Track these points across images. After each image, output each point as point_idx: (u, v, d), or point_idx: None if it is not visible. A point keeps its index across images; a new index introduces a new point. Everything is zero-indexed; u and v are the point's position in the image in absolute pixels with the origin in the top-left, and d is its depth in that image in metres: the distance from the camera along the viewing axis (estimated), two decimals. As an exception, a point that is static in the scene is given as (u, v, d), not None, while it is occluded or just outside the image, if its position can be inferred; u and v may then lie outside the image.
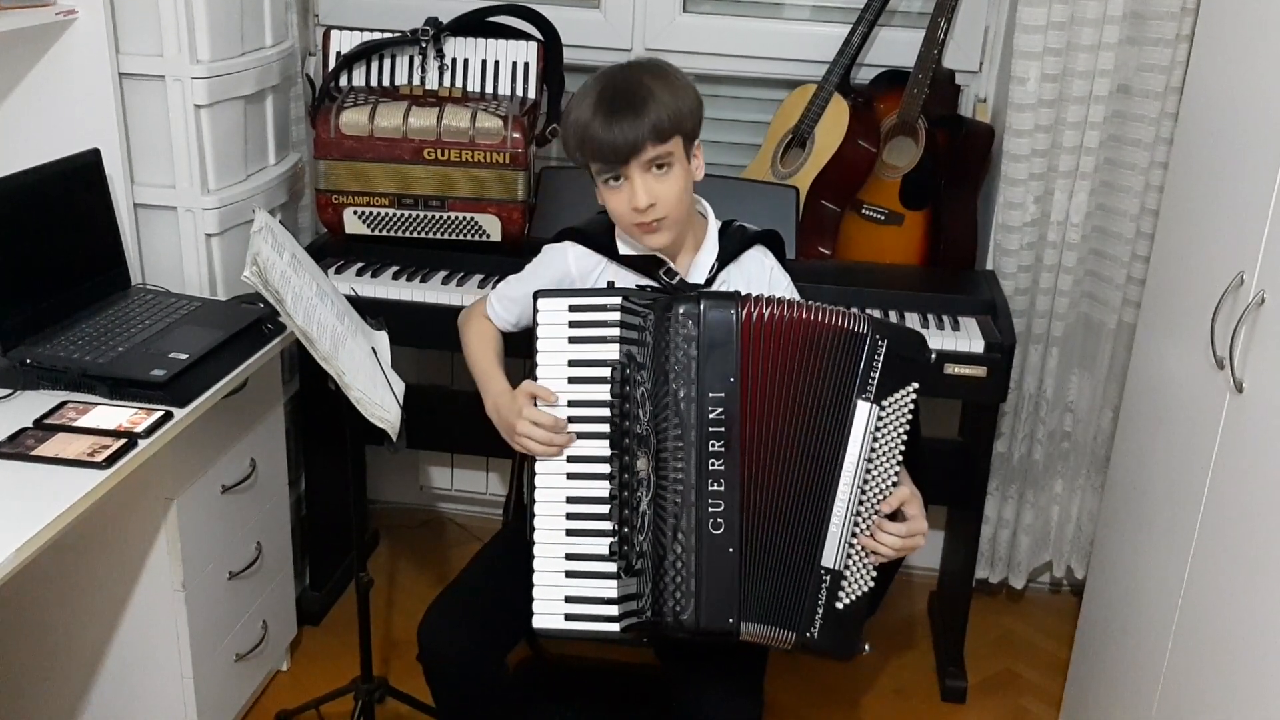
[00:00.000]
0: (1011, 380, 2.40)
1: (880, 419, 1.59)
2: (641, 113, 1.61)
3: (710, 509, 1.55)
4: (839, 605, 1.59)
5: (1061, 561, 2.77)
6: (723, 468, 1.55)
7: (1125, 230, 2.43)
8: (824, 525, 1.59)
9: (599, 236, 1.82)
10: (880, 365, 1.58)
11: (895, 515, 1.62)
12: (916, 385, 1.60)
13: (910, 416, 1.61)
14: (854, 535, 1.60)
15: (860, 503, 1.59)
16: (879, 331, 1.59)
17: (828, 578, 1.59)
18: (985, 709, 2.48)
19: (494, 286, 1.92)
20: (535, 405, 1.63)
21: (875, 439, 1.59)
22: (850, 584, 1.60)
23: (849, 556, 1.59)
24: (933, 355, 1.63)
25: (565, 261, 1.82)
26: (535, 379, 1.64)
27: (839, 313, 1.60)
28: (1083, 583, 2.49)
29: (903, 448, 1.61)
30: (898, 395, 1.60)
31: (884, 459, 1.60)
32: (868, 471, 1.59)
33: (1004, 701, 2.51)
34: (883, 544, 1.60)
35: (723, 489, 1.56)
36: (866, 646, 1.63)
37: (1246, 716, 1.48)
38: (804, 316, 1.59)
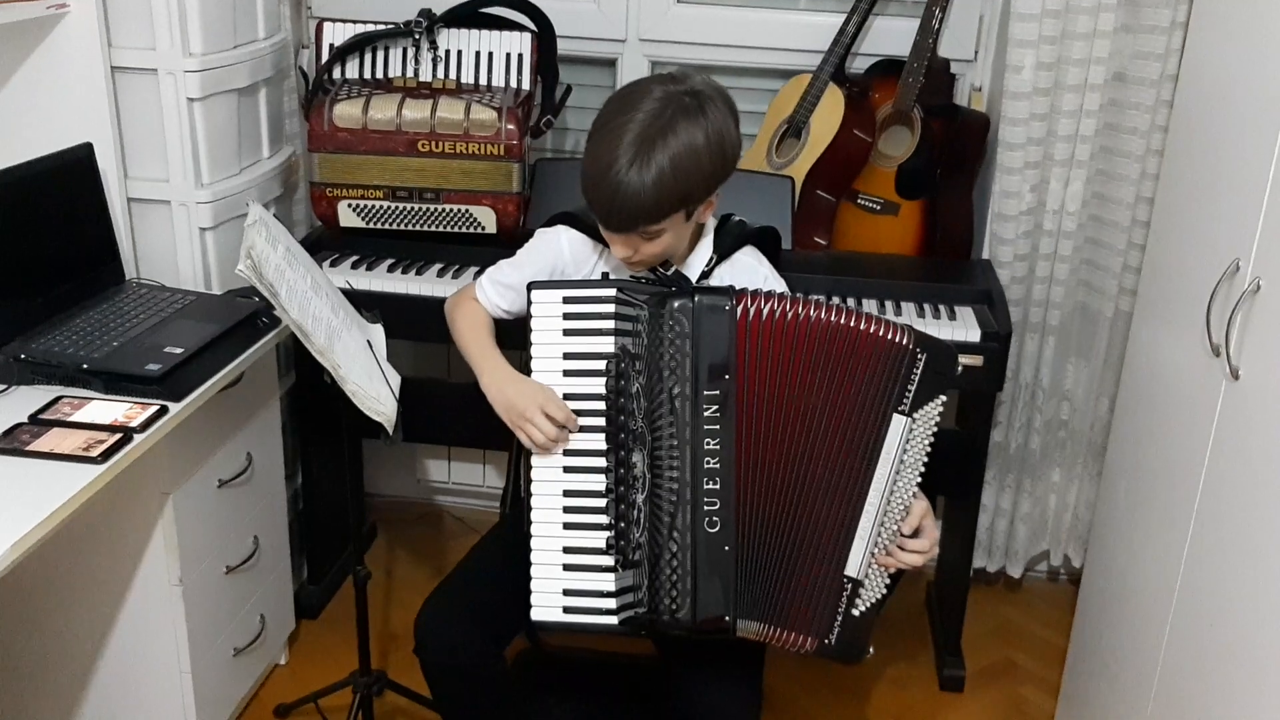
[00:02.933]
0: (1008, 369, 2.40)
1: (911, 432, 1.58)
2: (645, 190, 1.55)
3: (706, 507, 1.55)
4: (855, 613, 1.60)
5: (1059, 550, 2.77)
6: (718, 466, 1.55)
7: (1121, 218, 2.43)
8: (851, 535, 1.58)
9: (595, 224, 1.81)
10: (917, 380, 1.57)
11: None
12: (944, 399, 1.59)
13: (936, 429, 1.60)
14: (875, 546, 1.60)
15: (884, 513, 1.59)
16: (920, 345, 1.57)
17: (849, 586, 1.59)
18: (983, 698, 2.49)
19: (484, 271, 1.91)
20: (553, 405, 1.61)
21: (904, 451, 1.58)
22: (867, 591, 1.60)
23: (869, 565, 1.60)
24: (960, 369, 1.62)
25: (559, 247, 1.81)
26: (530, 371, 1.64)
27: (879, 321, 1.57)
28: (1080, 571, 2.50)
29: (926, 459, 1.60)
30: (927, 409, 1.58)
31: (909, 471, 1.59)
32: (893, 483, 1.59)
33: (1002, 690, 2.51)
34: (902, 561, 1.61)
35: (719, 487, 1.55)
36: (870, 649, 1.63)
37: (1244, 702, 1.48)
38: (827, 319, 1.56)
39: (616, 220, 1.60)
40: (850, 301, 2.30)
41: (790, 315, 1.56)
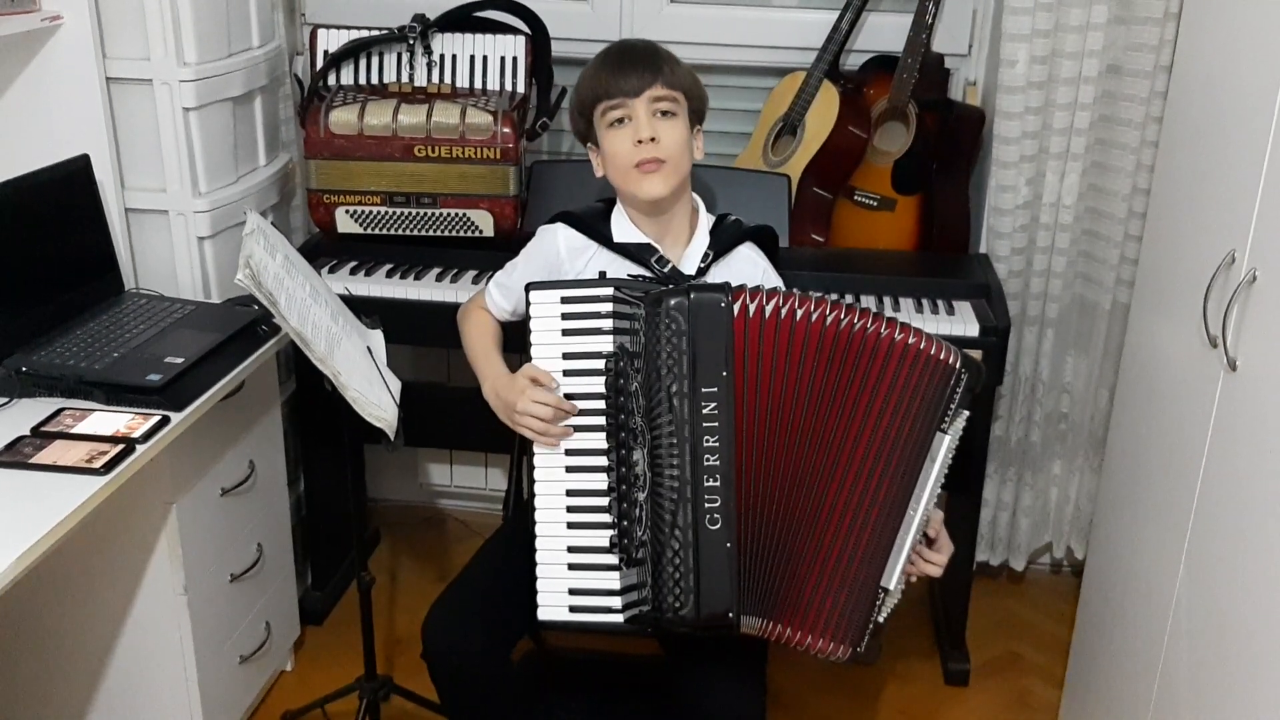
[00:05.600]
0: (1007, 363, 2.40)
1: (946, 448, 1.59)
2: (653, 61, 1.76)
3: (707, 504, 1.55)
4: (880, 619, 1.62)
5: (1061, 542, 2.77)
6: (718, 462, 1.55)
7: (1117, 210, 2.43)
8: (889, 549, 1.60)
9: (593, 222, 1.83)
10: (958, 398, 1.59)
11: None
12: (968, 414, 1.61)
13: (959, 442, 1.61)
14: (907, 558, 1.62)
15: (918, 526, 1.61)
16: (963, 364, 1.59)
17: (882, 595, 1.61)
18: (988, 691, 2.49)
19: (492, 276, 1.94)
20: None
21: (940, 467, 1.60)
22: (890, 598, 1.62)
23: (901, 576, 1.62)
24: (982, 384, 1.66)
25: (556, 243, 1.84)
26: None
27: (921, 335, 1.57)
28: (1083, 563, 2.50)
29: (948, 472, 1.61)
30: (957, 424, 1.60)
31: (936, 485, 1.61)
32: (929, 499, 1.61)
33: (1007, 683, 2.52)
34: (924, 571, 1.65)
35: (719, 484, 1.55)
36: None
37: (1247, 692, 1.48)
38: (849, 322, 1.56)
39: (636, 69, 1.74)
40: (848, 298, 2.30)
41: (801, 315, 1.56)
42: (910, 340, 1.56)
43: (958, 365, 1.58)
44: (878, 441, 1.57)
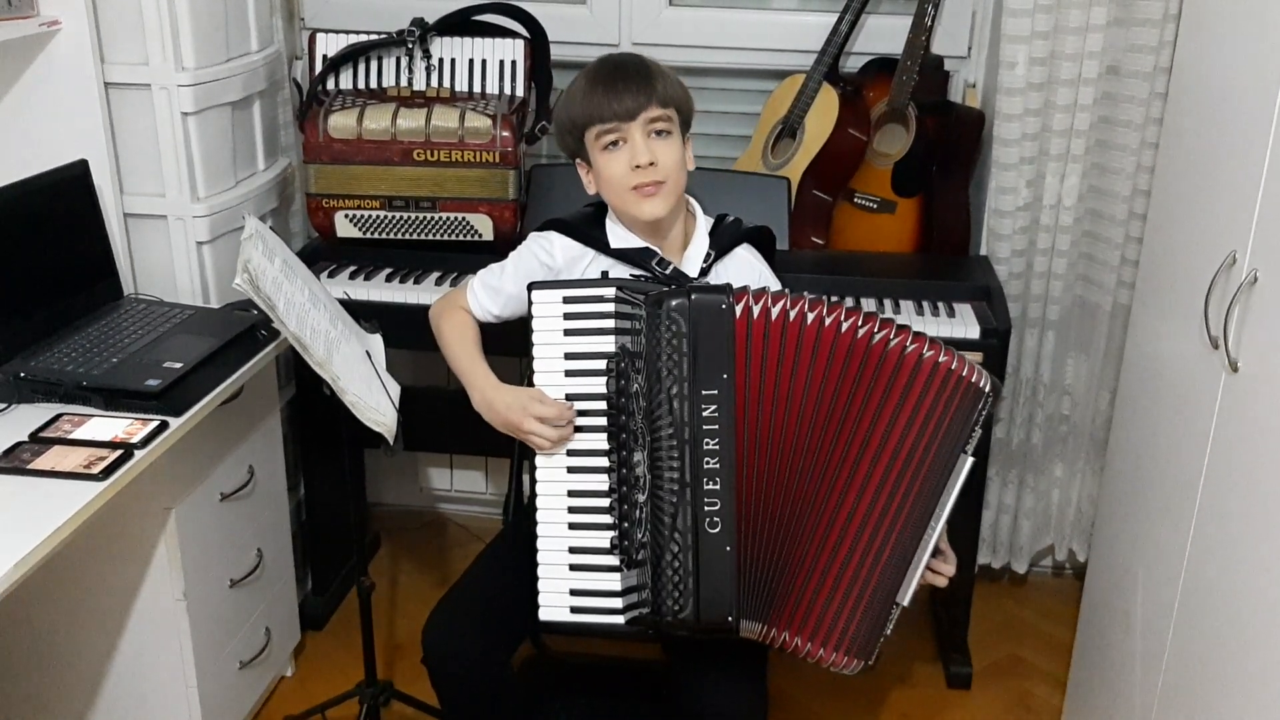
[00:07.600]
0: (1009, 365, 2.40)
1: (969, 469, 1.59)
2: (645, 80, 1.70)
3: (707, 507, 1.55)
4: (888, 630, 1.61)
5: (1063, 545, 2.77)
6: (718, 466, 1.54)
7: (1118, 212, 2.43)
8: (906, 566, 1.59)
9: (587, 229, 1.81)
10: (982, 418, 1.58)
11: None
12: (979, 431, 1.60)
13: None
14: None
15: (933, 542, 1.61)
16: (994, 389, 1.58)
17: (895, 609, 1.60)
18: (991, 694, 2.48)
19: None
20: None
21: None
22: (898, 609, 1.62)
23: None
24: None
25: (552, 252, 1.82)
26: (532, 372, 1.64)
27: (951, 353, 1.56)
28: (1085, 565, 2.49)
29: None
30: (974, 441, 1.59)
31: (953, 502, 1.61)
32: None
33: (1009, 686, 2.51)
34: (932, 581, 1.64)
35: (719, 488, 1.54)
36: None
37: (1250, 694, 1.48)
38: (868, 330, 1.54)
39: (630, 90, 1.68)
40: (849, 301, 2.30)
41: (813, 318, 1.54)
42: (941, 359, 1.55)
43: (986, 388, 1.57)
44: (902, 458, 1.56)
